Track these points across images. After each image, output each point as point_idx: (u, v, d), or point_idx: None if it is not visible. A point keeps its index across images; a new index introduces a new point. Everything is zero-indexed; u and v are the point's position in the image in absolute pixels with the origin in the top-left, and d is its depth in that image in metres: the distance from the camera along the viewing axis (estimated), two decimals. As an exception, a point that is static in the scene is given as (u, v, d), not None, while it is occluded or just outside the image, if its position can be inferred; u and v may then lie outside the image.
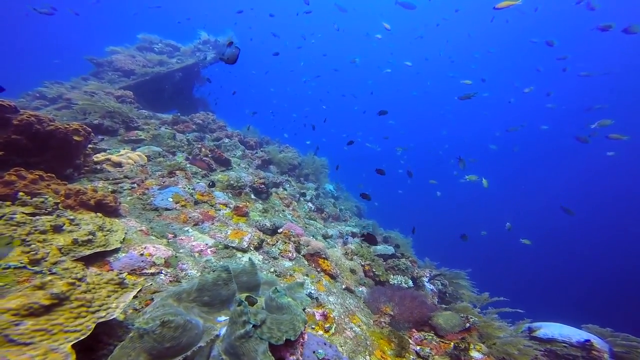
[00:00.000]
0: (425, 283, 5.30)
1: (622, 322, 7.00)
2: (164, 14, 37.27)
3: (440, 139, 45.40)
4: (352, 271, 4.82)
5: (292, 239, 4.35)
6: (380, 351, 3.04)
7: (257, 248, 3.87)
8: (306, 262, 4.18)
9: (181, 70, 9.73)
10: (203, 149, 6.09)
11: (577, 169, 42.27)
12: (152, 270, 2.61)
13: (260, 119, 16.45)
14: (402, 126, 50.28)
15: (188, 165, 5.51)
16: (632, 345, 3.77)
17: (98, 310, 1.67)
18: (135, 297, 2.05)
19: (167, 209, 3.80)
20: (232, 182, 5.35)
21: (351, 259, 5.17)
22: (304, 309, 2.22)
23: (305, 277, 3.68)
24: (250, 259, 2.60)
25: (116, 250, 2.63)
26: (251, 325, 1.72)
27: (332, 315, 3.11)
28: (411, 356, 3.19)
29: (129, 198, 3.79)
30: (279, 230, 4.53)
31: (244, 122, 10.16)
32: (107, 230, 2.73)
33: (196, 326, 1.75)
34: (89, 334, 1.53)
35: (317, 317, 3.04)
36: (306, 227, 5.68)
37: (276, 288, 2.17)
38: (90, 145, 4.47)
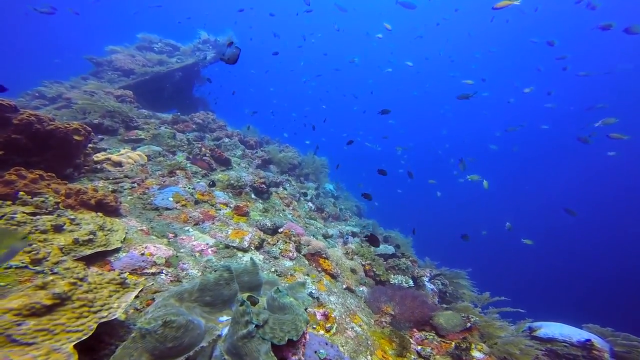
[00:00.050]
0: (426, 283, 5.30)
1: (622, 321, 7.01)
2: (164, 13, 37.22)
3: (440, 139, 45.36)
4: (353, 271, 4.82)
5: (293, 238, 4.35)
6: (382, 351, 3.04)
7: (258, 248, 3.86)
8: (307, 262, 4.18)
9: (181, 70, 9.71)
10: (203, 149, 6.08)
11: (577, 168, 42.33)
12: (153, 270, 2.60)
13: (260, 118, 16.44)
14: (402, 126, 50.38)
15: (188, 165, 5.50)
16: (633, 345, 3.77)
17: (100, 310, 1.67)
18: (136, 297, 2.05)
19: (167, 209, 3.80)
20: (232, 181, 5.35)
21: (352, 259, 5.17)
22: (305, 309, 2.22)
23: (306, 277, 3.68)
24: (251, 258, 2.60)
25: (117, 250, 2.62)
26: (254, 325, 1.71)
27: (333, 315, 3.11)
28: (412, 356, 3.19)
29: (129, 197, 3.78)
30: (279, 230, 4.52)
31: (244, 121, 10.14)
32: (108, 230, 2.73)
33: (198, 326, 1.75)
34: (91, 334, 1.53)
35: (319, 316, 3.03)
36: (306, 227, 5.67)
37: (278, 288, 2.16)
38: (90, 145, 4.46)
